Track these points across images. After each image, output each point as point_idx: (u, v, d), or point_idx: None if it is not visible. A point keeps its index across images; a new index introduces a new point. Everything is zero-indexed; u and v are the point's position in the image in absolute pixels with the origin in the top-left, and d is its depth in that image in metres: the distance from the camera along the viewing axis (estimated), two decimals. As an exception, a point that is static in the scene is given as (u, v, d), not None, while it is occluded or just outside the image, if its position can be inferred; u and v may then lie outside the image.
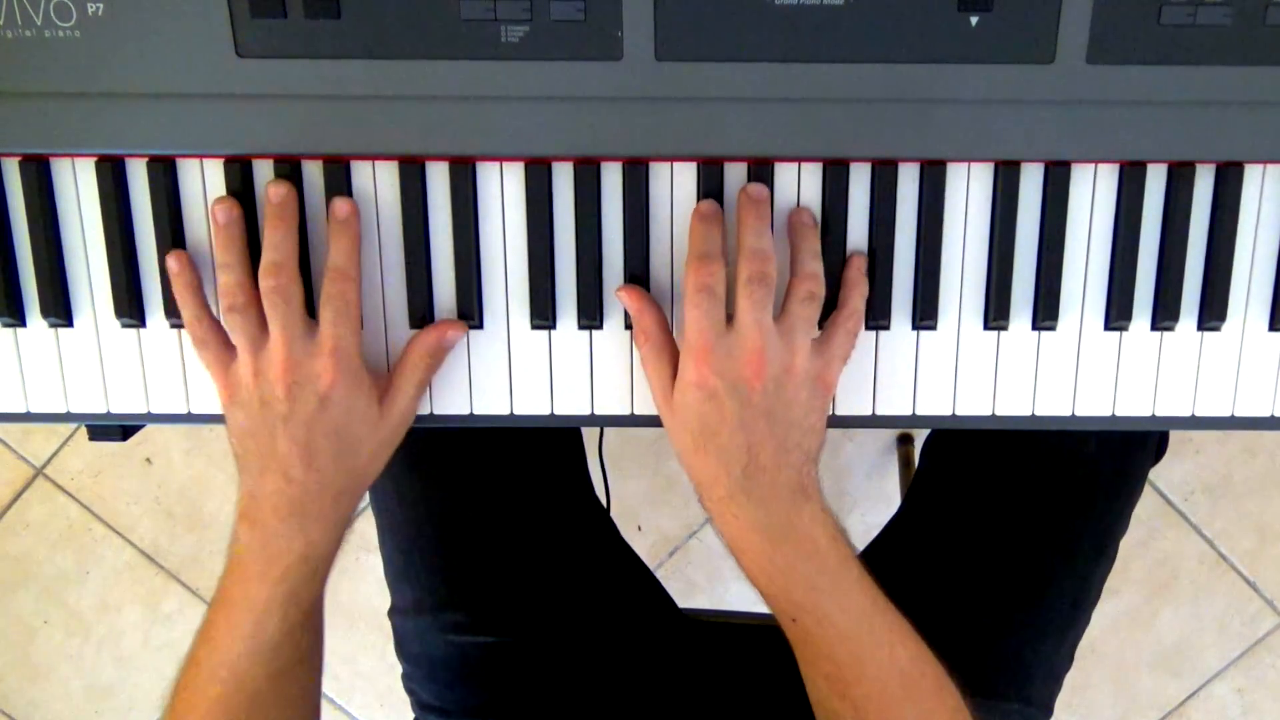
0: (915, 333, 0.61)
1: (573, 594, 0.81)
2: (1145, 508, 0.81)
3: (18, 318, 0.61)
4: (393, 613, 0.84)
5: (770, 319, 0.56)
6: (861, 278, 0.59)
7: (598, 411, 0.62)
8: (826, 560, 0.57)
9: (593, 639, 0.81)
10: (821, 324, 0.59)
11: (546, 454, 0.81)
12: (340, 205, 0.58)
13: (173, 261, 0.59)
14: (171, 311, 0.60)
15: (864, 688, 0.57)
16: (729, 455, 0.55)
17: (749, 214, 0.57)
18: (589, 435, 0.92)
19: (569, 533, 0.83)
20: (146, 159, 0.59)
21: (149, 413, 0.62)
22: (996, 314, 0.60)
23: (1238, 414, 0.62)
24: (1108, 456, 0.76)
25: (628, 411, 0.62)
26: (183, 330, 0.61)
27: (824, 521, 0.57)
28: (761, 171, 0.58)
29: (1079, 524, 0.77)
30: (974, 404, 0.62)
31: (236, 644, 0.58)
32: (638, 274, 0.60)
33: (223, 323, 0.58)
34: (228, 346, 0.58)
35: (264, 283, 0.56)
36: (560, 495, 0.83)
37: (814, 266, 0.57)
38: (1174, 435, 0.82)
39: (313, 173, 0.59)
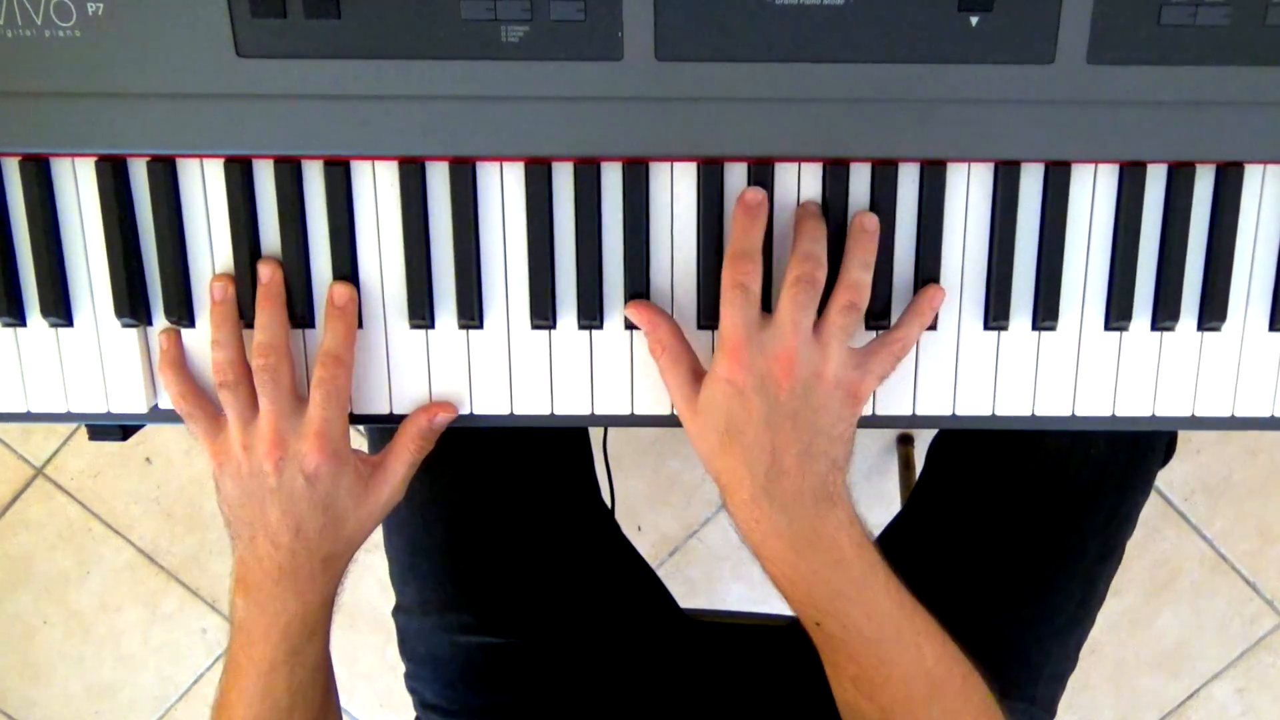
0: (915, 333, 0.61)
1: (578, 596, 0.81)
2: (1145, 508, 0.81)
3: (18, 318, 0.61)
4: (397, 611, 0.84)
5: (809, 323, 0.55)
6: (930, 311, 0.59)
7: (598, 411, 0.62)
8: (851, 568, 0.56)
9: (597, 640, 0.81)
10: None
11: (554, 455, 0.81)
12: (339, 292, 0.59)
13: (162, 339, 0.61)
14: (172, 312, 0.60)
15: (891, 690, 0.57)
16: (753, 455, 0.55)
17: (807, 221, 0.57)
18: (594, 435, 0.92)
19: (575, 534, 0.83)
20: (147, 159, 0.59)
21: (149, 413, 0.62)
22: (996, 314, 0.60)
23: (1238, 414, 0.62)
24: (1116, 458, 0.76)
25: (628, 411, 0.62)
26: (184, 330, 0.61)
27: (849, 529, 0.57)
28: (762, 171, 0.58)
29: (1086, 525, 0.77)
30: (974, 404, 0.62)
31: (251, 708, 0.59)
32: (638, 274, 0.60)
33: (216, 395, 0.59)
34: (215, 417, 0.60)
35: (255, 361, 0.58)
36: (567, 496, 0.83)
37: (859, 276, 0.57)
38: (1177, 435, 0.82)
39: (313, 173, 0.59)
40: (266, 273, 0.59)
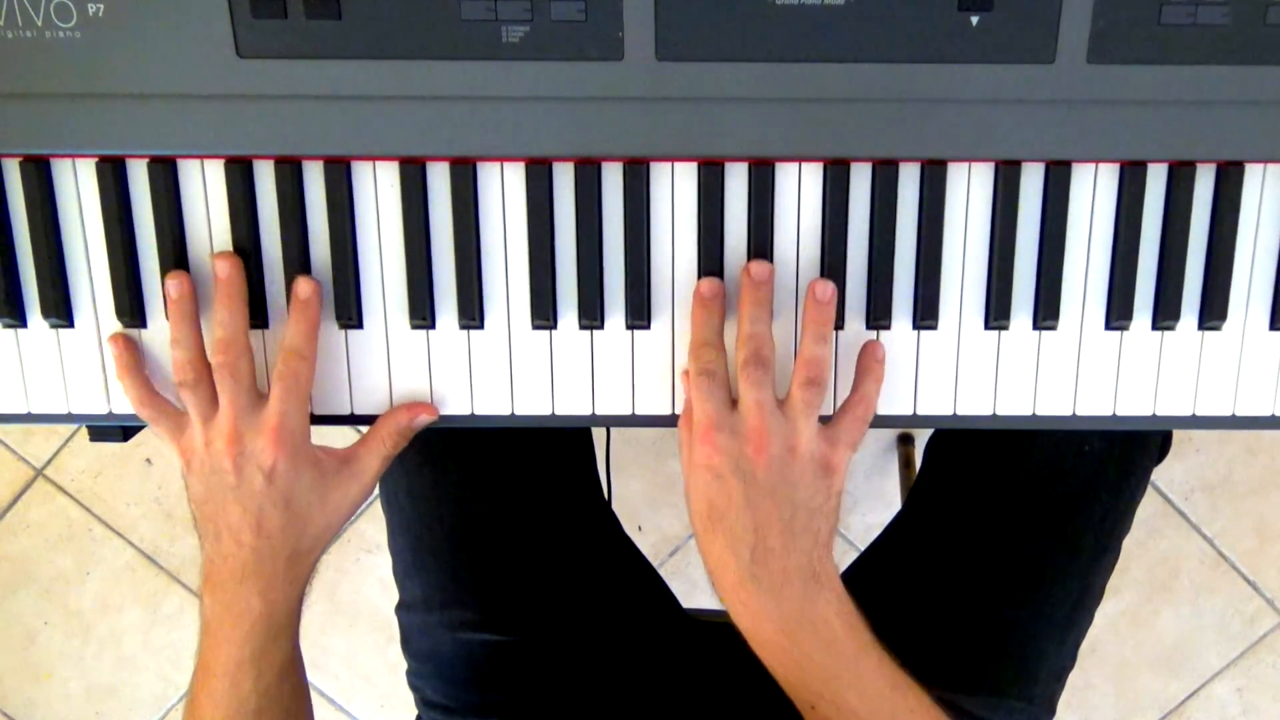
0: (916, 332, 0.61)
1: (580, 594, 0.81)
2: (1145, 507, 0.81)
3: (18, 318, 0.61)
4: (400, 608, 0.84)
5: (771, 398, 0.56)
6: (876, 365, 0.59)
7: (599, 412, 0.62)
8: (844, 649, 0.56)
9: (599, 638, 0.81)
10: None
11: (557, 452, 0.81)
12: (302, 286, 0.59)
13: (112, 346, 0.60)
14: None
15: None
16: (736, 537, 0.55)
17: (748, 297, 0.58)
18: (597, 434, 0.92)
19: (578, 532, 0.83)
20: (147, 159, 0.59)
21: (149, 413, 0.62)
22: (997, 314, 0.60)
23: (1238, 414, 0.62)
24: (1111, 455, 0.76)
25: (628, 411, 0.62)
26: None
27: (839, 609, 0.57)
28: (762, 171, 0.58)
29: (1082, 523, 0.77)
30: (975, 404, 0.62)
31: (218, 709, 0.59)
32: (638, 274, 0.60)
33: (177, 395, 0.59)
34: (178, 416, 0.60)
35: (214, 359, 0.58)
36: (570, 494, 0.83)
37: (816, 351, 0.57)
38: (1175, 434, 0.82)
39: (313, 173, 0.59)
40: (224, 268, 0.58)
